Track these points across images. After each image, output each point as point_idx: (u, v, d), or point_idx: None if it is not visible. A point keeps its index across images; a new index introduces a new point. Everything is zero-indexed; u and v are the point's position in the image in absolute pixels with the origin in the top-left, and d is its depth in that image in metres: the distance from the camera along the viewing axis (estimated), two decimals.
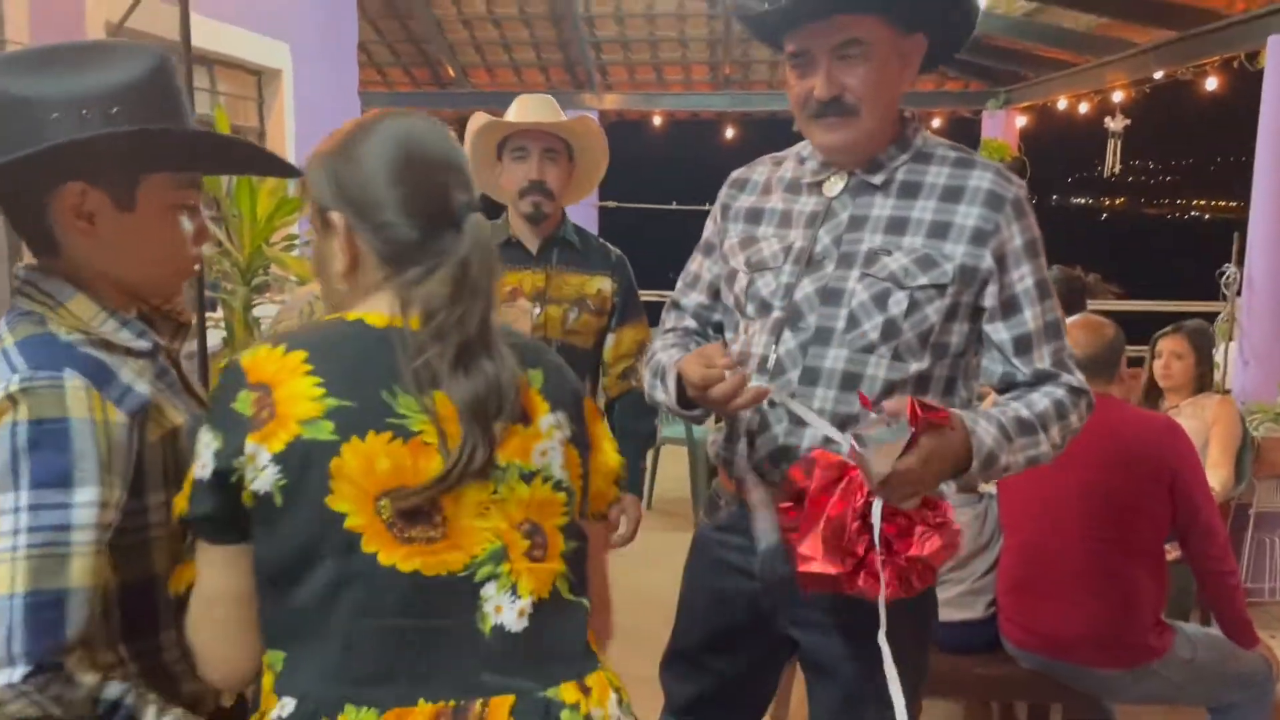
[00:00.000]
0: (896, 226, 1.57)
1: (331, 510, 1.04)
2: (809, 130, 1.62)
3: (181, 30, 3.03)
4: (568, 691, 1.10)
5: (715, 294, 1.79)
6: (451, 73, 9.30)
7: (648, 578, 3.88)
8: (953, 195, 1.56)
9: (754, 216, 1.71)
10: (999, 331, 1.57)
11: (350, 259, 1.14)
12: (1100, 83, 6.78)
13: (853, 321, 1.55)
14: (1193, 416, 3.58)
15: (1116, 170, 6.64)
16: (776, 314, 1.61)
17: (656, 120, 9.63)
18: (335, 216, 1.14)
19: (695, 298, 1.80)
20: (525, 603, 1.10)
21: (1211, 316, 5.25)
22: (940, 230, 1.55)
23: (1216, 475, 3.36)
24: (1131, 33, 6.04)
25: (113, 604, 1.15)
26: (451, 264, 1.11)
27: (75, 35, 3.44)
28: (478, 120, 2.54)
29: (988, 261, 1.54)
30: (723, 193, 1.79)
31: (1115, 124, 6.63)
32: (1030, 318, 1.56)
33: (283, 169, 1.38)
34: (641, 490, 2.64)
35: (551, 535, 1.15)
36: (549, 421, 1.16)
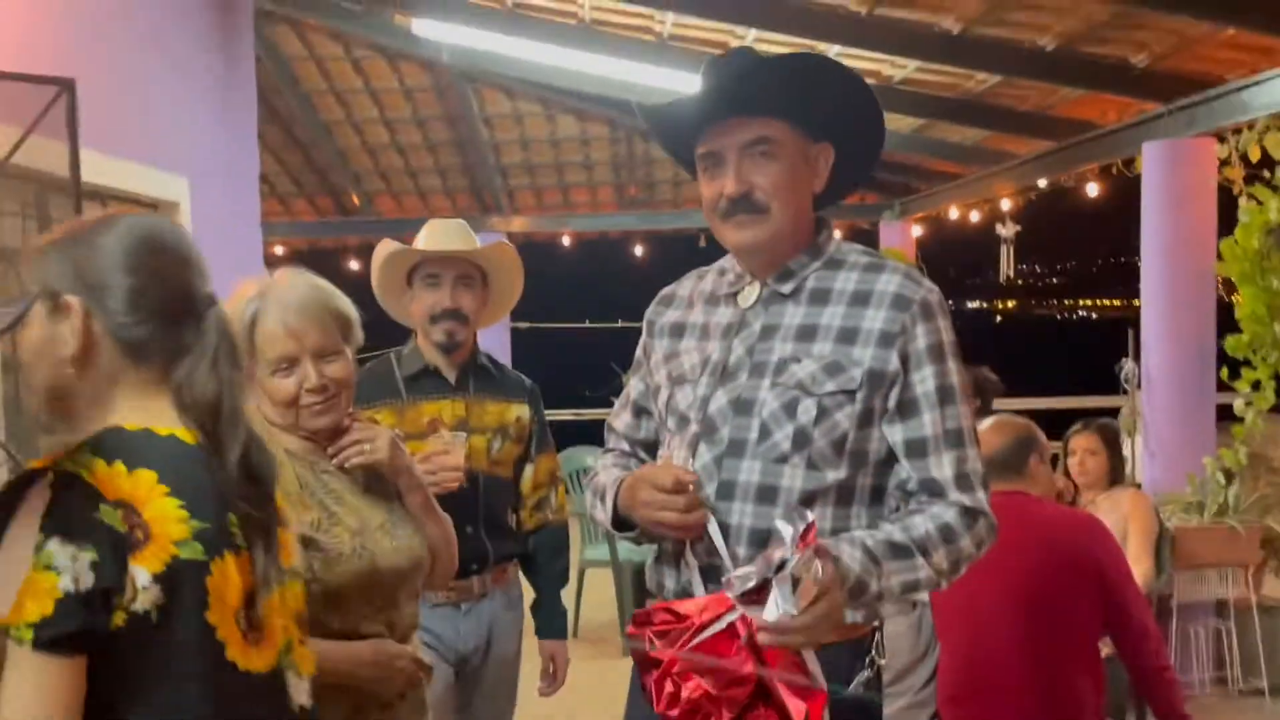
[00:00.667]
0: (806, 334, 1.56)
1: (209, 624, 1.10)
2: (721, 232, 1.63)
3: (70, 165, 2.94)
4: None
5: (639, 413, 1.79)
6: (356, 201, 9.28)
7: (582, 716, 3.70)
8: (861, 300, 1.56)
9: (677, 331, 1.72)
10: (894, 433, 1.54)
11: (83, 345, 1.15)
12: (989, 192, 7.09)
13: (764, 432, 1.53)
14: (1109, 511, 3.63)
15: (1010, 274, 6.90)
16: (693, 427, 1.60)
17: (565, 240, 9.73)
18: (71, 300, 1.14)
19: (624, 418, 1.81)
20: (306, 681, 1.27)
21: (1113, 411, 5.40)
22: (848, 336, 1.54)
23: (1138, 568, 3.38)
24: (1014, 144, 6.35)
25: None
26: (207, 362, 1.18)
27: None
28: (386, 247, 2.48)
29: (894, 364, 1.52)
30: (650, 310, 1.80)
31: (1006, 230, 6.92)
32: (929, 422, 1.52)
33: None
34: (566, 629, 2.57)
35: (304, 620, 1.30)
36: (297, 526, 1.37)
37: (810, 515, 1.33)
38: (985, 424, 2.60)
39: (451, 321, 2.40)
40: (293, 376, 1.62)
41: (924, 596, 2.60)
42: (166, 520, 1.08)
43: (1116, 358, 5.22)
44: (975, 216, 7.86)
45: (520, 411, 2.51)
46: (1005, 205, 7.18)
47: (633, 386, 1.81)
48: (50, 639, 1.00)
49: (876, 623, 1.59)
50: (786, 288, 1.60)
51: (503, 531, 2.48)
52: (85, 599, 1.01)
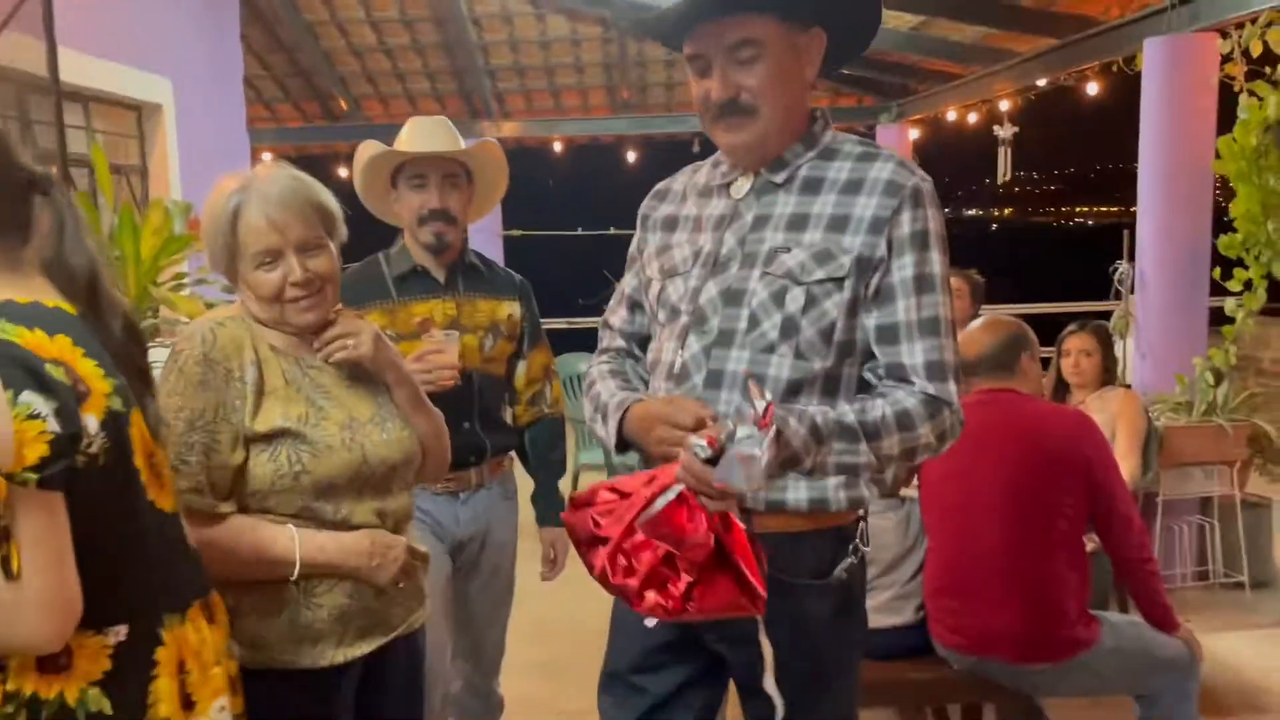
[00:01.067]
0: (797, 224, 1.55)
1: (135, 467, 1.28)
2: (712, 132, 1.61)
3: (49, 63, 2.87)
4: None
5: (633, 307, 1.79)
6: (344, 105, 9.12)
7: (576, 608, 3.80)
8: (853, 188, 1.54)
9: (670, 224, 1.71)
10: (870, 319, 1.53)
11: None
12: (988, 92, 6.97)
13: (753, 321, 1.53)
14: (1099, 410, 3.66)
15: (1008, 177, 6.83)
16: (683, 319, 1.60)
17: (557, 146, 9.60)
18: None
19: (619, 314, 1.81)
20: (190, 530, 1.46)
21: (1105, 315, 5.41)
22: (839, 224, 1.52)
23: (1125, 466, 3.42)
24: (1015, 42, 6.23)
25: None
26: (70, 236, 1.27)
27: None
28: (369, 149, 2.43)
29: (881, 250, 1.51)
30: (644, 204, 1.79)
31: (1004, 132, 6.82)
32: (902, 309, 1.51)
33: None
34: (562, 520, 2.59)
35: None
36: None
37: (769, 396, 1.32)
38: (976, 323, 2.61)
39: (439, 223, 2.38)
40: (276, 270, 1.61)
41: (913, 492, 2.65)
42: (93, 378, 1.21)
43: (1108, 263, 5.21)
44: (974, 118, 7.75)
45: (511, 309, 2.51)
46: (1004, 106, 7.07)
47: (626, 281, 1.81)
48: (51, 476, 1.12)
49: (861, 512, 1.61)
50: (779, 177, 1.58)
51: (498, 426, 2.50)
52: (68, 439, 1.13)
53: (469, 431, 2.36)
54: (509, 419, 2.57)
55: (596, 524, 1.41)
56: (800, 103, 1.59)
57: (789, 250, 1.53)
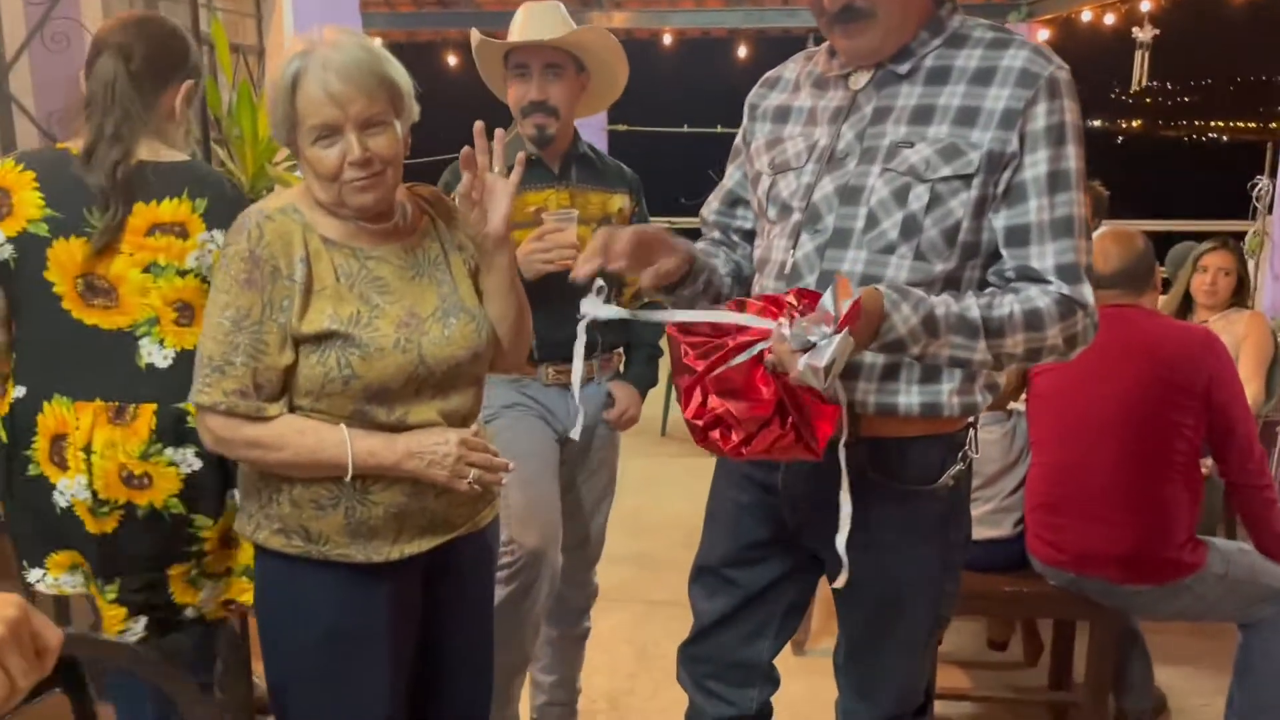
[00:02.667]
0: (922, 116, 1.46)
1: (45, 280, 1.80)
2: (830, 36, 1.52)
3: None
4: (192, 406, 1.62)
5: (735, 202, 1.73)
6: None
7: (669, 505, 3.86)
8: (983, 78, 1.44)
9: (781, 115, 1.63)
10: (999, 219, 1.44)
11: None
12: None
13: (871, 220, 1.46)
14: (1224, 331, 3.49)
15: (1145, 84, 6.42)
16: (795, 216, 1.54)
17: (666, 39, 9.37)
18: None
19: (714, 206, 1.76)
20: (170, 351, 1.85)
21: (1235, 235, 5.12)
22: (968, 117, 1.43)
23: (1248, 390, 3.26)
24: None
25: None
26: (102, 91, 1.82)
27: None
28: (474, 39, 2.40)
29: (1014, 145, 1.41)
30: (753, 92, 1.70)
31: (1144, 34, 6.39)
32: (1034, 208, 1.41)
33: None
34: (644, 388, 2.57)
35: (199, 310, 1.82)
36: (204, 237, 1.85)
37: (855, 293, 1.25)
38: (1100, 233, 2.49)
39: (539, 114, 2.31)
40: (335, 147, 1.50)
41: (1020, 405, 2.58)
42: (27, 205, 1.78)
43: (1244, 181, 4.90)
44: (1110, 20, 7.29)
45: (622, 202, 2.48)
46: (1145, 7, 6.62)
47: (729, 174, 1.74)
48: None
49: (971, 419, 1.57)
50: (903, 67, 1.49)
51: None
52: None
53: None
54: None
55: (687, 353, 1.38)
56: None
57: (912, 145, 1.45)
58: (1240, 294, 3.72)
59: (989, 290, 1.45)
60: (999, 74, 1.43)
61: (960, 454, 1.54)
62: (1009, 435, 2.60)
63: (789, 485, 1.57)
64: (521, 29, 2.34)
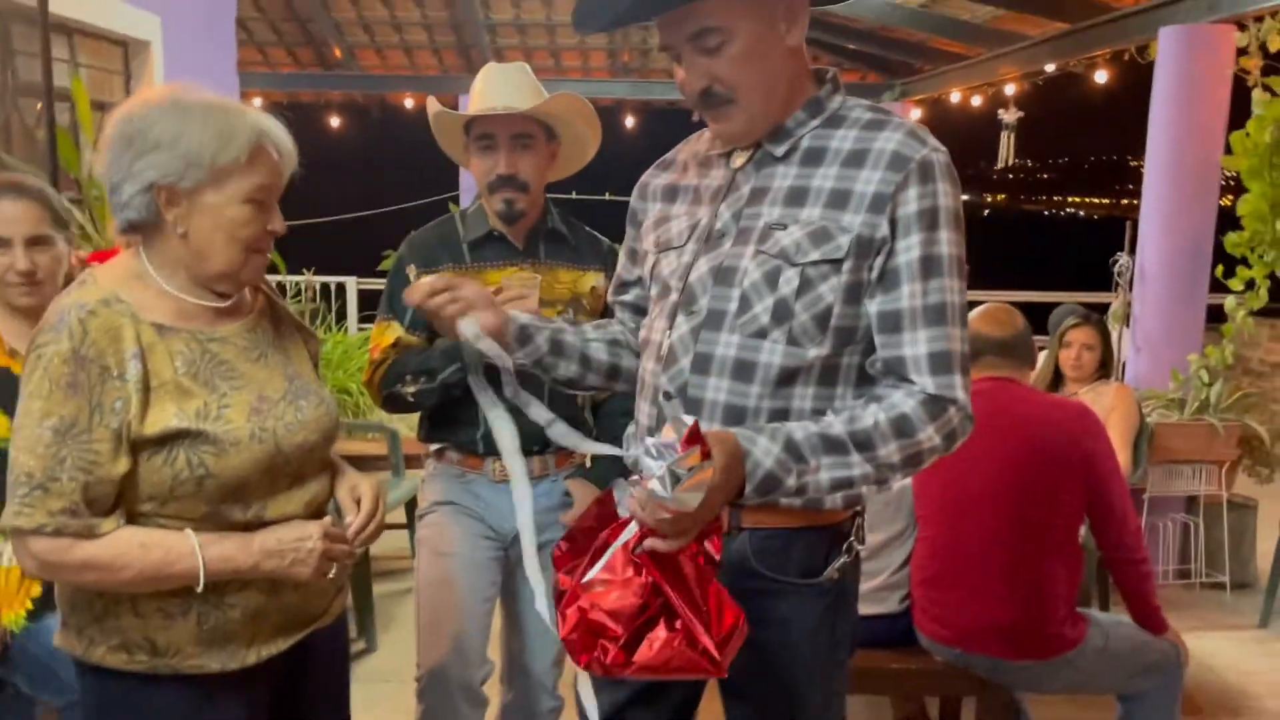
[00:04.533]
0: (796, 198, 1.42)
1: None
2: (701, 118, 1.50)
3: None
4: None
5: (620, 285, 1.72)
6: (338, 53, 8.93)
7: None
8: (856, 160, 1.40)
9: (670, 194, 1.60)
10: (873, 305, 1.39)
11: None
12: (994, 75, 6.87)
13: (744, 303, 1.42)
14: (1093, 403, 3.61)
15: (1011, 162, 6.73)
16: (673, 296, 1.49)
17: None
18: None
19: (610, 289, 1.75)
20: None
21: (1098, 306, 5.35)
22: (839, 199, 1.39)
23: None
24: (1025, 25, 6.12)
25: None
26: None
27: None
28: (431, 108, 2.20)
29: (884, 230, 1.37)
30: (646, 174, 1.67)
31: (1009, 116, 6.72)
32: (906, 294, 1.37)
33: None
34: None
35: None
36: None
37: (688, 420, 1.20)
38: (978, 310, 2.53)
39: (508, 189, 2.12)
40: (264, 214, 1.45)
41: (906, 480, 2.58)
42: None
43: (1103, 256, 5.14)
44: (978, 101, 7.65)
45: (595, 280, 2.24)
46: (1009, 90, 6.97)
47: (620, 263, 1.72)
48: None
49: (859, 508, 1.52)
50: (779, 149, 1.46)
51: (569, 410, 2.17)
52: None
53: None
54: (581, 403, 2.29)
55: (557, 582, 1.33)
56: (787, 71, 1.44)
57: (785, 227, 1.41)
58: (1105, 367, 3.86)
59: (849, 405, 1.41)
60: (871, 156, 1.39)
61: (845, 545, 1.50)
62: (892, 504, 2.59)
63: None
64: (485, 95, 2.13)
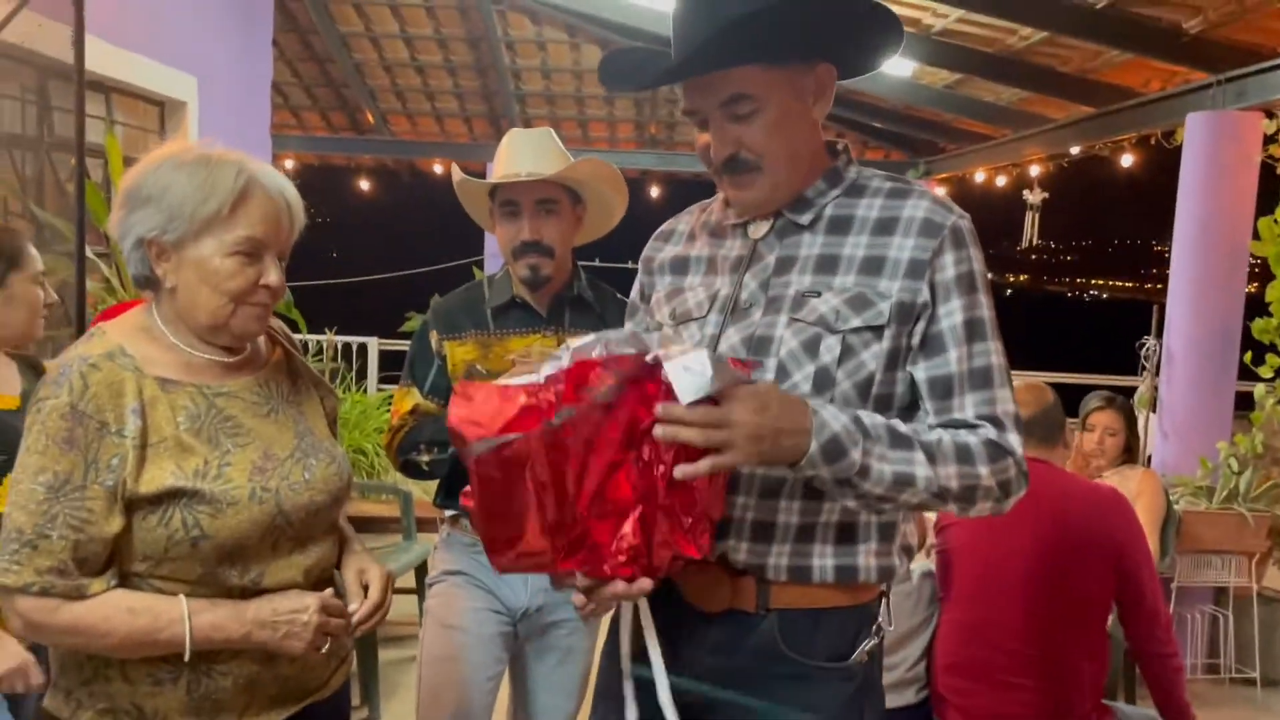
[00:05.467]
0: (826, 266, 1.41)
1: None
2: (720, 186, 1.48)
3: (75, 49, 2.80)
4: None
5: None
6: (371, 119, 9.10)
7: None
8: (886, 228, 1.40)
9: (679, 266, 1.57)
10: (919, 371, 1.38)
11: None
12: (1018, 156, 6.90)
13: (782, 372, 1.38)
14: (1119, 488, 3.53)
15: (1035, 242, 6.73)
16: None
17: None
18: None
19: None
20: None
21: (1126, 389, 5.28)
22: (874, 266, 1.38)
23: None
24: (1050, 108, 6.16)
25: None
26: None
27: None
28: (455, 175, 2.21)
29: (924, 295, 1.36)
30: (648, 246, 1.64)
31: (1034, 197, 6.73)
32: (954, 359, 1.36)
33: None
34: None
35: None
36: None
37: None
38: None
39: (533, 255, 2.08)
40: (253, 267, 1.38)
41: (929, 564, 2.52)
42: None
43: (1127, 338, 5.09)
44: (1001, 181, 7.68)
45: None
46: (1034, 172, 6.99)
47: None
48: None
49: (884, 587, 1.48)
50: (804, 218, 1.44)
51: None
52: None
53: None
54: None
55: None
56: (810, 142, 1.45)
57: (819, 295, 1.39)
58: (1131, 452, 3.79)
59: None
60: (901, 224, 1.39)
61: (874, 626, 1.44)
62: (912, 596, 2.52)
63: (689, 662, 1.44)
64: (509, 161, 2.11)
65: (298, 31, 7.91)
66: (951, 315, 1.37)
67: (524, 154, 2.11)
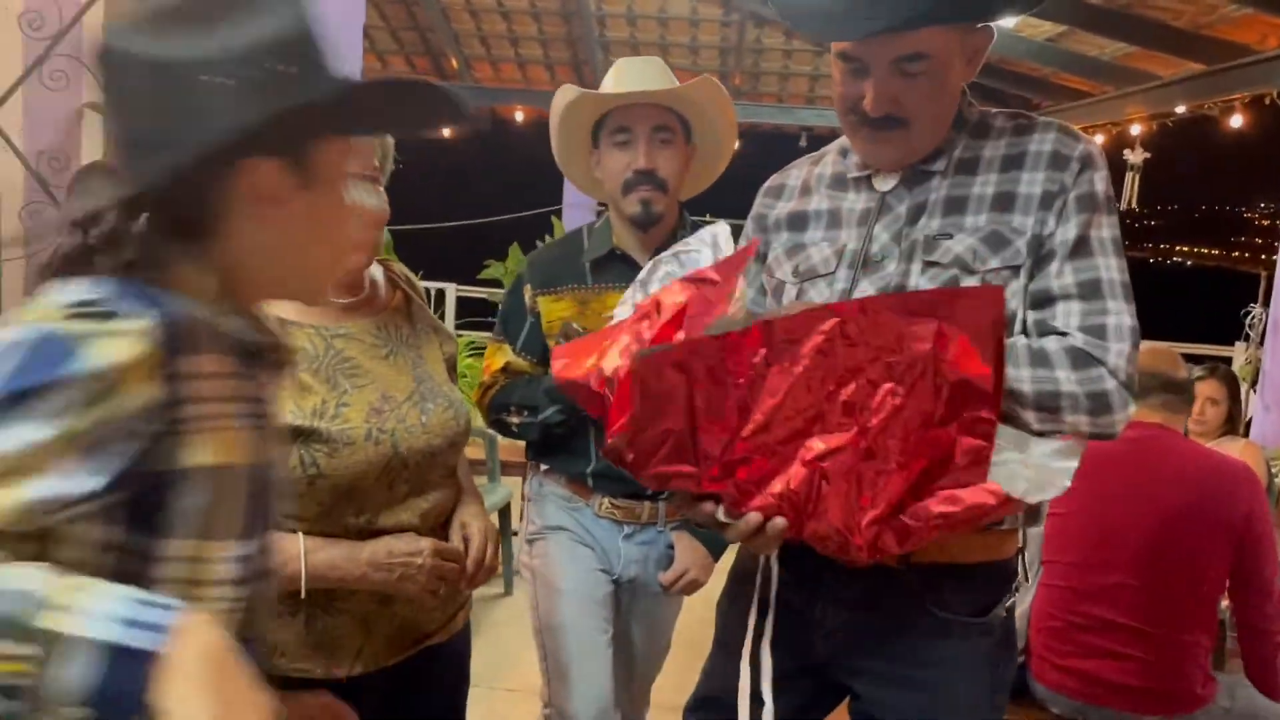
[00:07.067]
0: (956, 206, 1.38)
1: None
2: (853, 137, 1.45)
3: None
4: None
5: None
6: (455, 64, 9.10)
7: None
8: (1014, 163, 1.37)
9: (798, 222, 1.53)
10: (1030, 286, 1.35)
11: None
12: (1118, 115, 6.67)
13: None
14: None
15: (1134, 205, 6.51)
16: None
17: None
18: None
19: None
20: None
21: (1224, 359, 5.13)
22: (1005, 202, 1.36)
23: None
24: (1156, 64, 5.93)
25: None
26: None
27: None
28: (566, 94, 2.01)
29: (1051, 224, 1.34)
30: (757, 203, 1.61)
31: (1134, 157, 6.49)
32: (1055, 271, 1.32)
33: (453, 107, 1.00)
34: (718, 548, 2.10)
35: None
36: None
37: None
38: (1146, 346, 2.42)
39: (647, 187, 1.94)
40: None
41: None
42: None
43: (1218, 306, 4.93)
44: (1100, 140, 7.43)
45: None
46: (1135, 130, 6.75)
47: (742, 292, 1.63)
48: None
49: (1021, 544, 1.46)
50: (935, 165, 1.41)
51: None
52: None
53: None
54: None
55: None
56: (955, 99, 1.41)
57: (950, 236, 1.37)
58: (1233, 423, 3.69)
59: None
60: (1029, 158, 1.37)
61: (1014, 584, 1.43)
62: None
63: (824, 615, 1.44)
64: (621, 84, 1.97)
65: None
66: (1066, 231, 1.34)
67: (640, 75, 1.99)
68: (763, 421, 1.16)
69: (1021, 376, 1.26)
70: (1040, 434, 1.26)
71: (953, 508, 1.17)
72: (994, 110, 1.46)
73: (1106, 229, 1.35)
